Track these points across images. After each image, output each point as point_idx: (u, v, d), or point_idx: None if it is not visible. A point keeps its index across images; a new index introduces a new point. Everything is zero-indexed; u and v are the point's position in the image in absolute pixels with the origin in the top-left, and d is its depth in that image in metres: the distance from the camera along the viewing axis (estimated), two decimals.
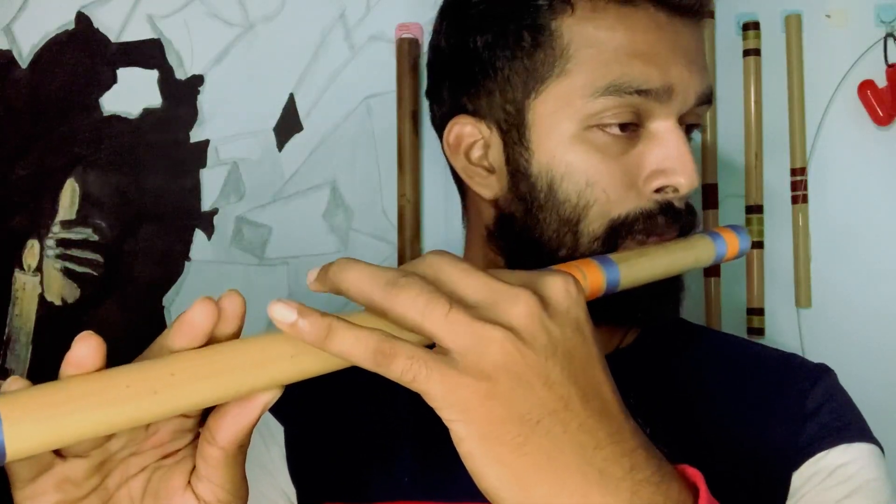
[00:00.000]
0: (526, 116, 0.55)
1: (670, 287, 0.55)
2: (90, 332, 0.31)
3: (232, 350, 0.32)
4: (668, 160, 0.54)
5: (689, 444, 0.54)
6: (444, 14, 0.62)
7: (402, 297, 0.33)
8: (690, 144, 0.56)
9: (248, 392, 0.33)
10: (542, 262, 0.53)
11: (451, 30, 0.60)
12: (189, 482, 0.37)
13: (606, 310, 0.51)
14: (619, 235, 0.54)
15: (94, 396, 0.29)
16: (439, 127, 0.62)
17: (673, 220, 0.55)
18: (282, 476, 0.60)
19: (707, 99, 0.56)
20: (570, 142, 0.53)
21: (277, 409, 0.62)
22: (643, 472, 0.34)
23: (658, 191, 0.54)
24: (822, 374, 0.58)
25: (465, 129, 0.58)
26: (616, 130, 0.53)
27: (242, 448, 0.36)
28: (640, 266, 0.49)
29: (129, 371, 0.31)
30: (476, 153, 0.58)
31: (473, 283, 0.34)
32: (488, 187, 0.58)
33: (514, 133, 0.55)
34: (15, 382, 0.31)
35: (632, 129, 0.54)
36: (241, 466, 0.37)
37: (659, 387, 0.57)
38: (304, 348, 0.33)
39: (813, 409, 0.55)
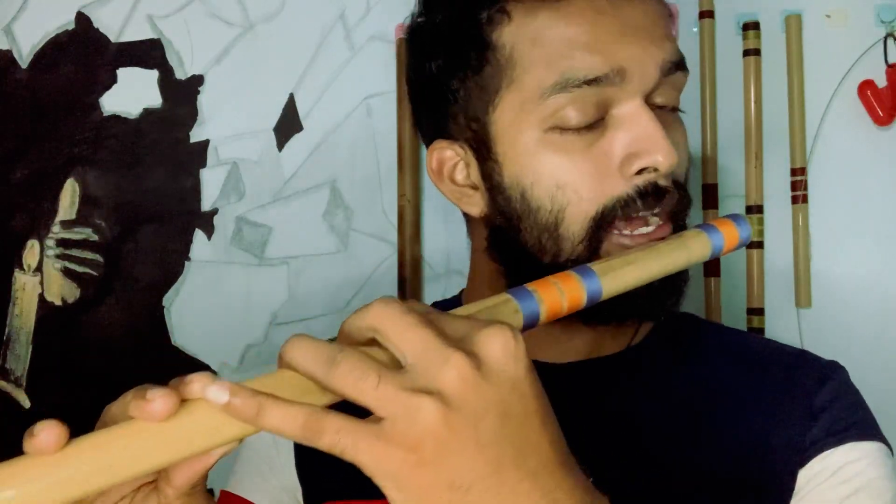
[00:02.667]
0: (490, 131, 0.54)
1: (667, 283, 0.54)
2: (54, 421, 0.32)
3: (186, 417, 0.34)
4: (638, 141, 0.52)
5: (695, 443, 0.54)
6: (407, 43, 0.62)
7: (338, 373, 0.34)
8: (673, 123, 0.55)
9: (199, 453, 0.36)
10: (531, 269, 0.52)
11: (412, 60, 0.61)
12: None
13: (595, 311, 0.51)
14: (600, 231, 0.53)
15: (51, 477, 0.32)
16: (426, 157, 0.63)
17: (656, 199, 0.53)
18: (289, 474, 0.60)
19: (674, 66, 0.54)
20: (534, 148, 0.53)
21: None
22: None
23: (640, 174, 0.52)
24: (833, 372, 0.57)
25: (444, 153, 0.58)
26: (578, 126, 0.52)
27: (197, 487, 0.39)
28: (626, 274, 0.48)
29: (85, 447, 0.33)
30: (459, 175, 0.58)
31: (411, 340, 0.34)
32: (475, 205, 0.58)
33: (483, 149, 0.55)
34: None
35: (596, 120, 0.52)
36: (199, 499, 0.40)
37: (667, 385, 0.57)
38: None
39: (821, 406, 0.55)
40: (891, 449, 0.55)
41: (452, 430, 0.33)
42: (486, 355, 0.35)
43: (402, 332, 0.35)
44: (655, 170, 0.52)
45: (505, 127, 0.54)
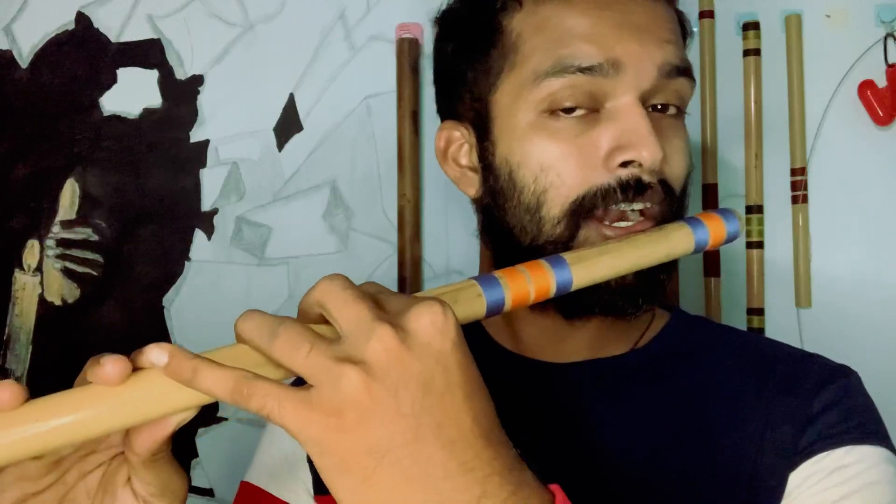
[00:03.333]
0: (490, 112, 0.57)
1: (642, 278, 0.53)
2: (11, 381, 0.35)
3: (138, 383, 0.36)
4: (624, 135, 0.53)
5: (687, 445, 0.54)
6: (434, 32, 0.65)
7: (277, 343, 0.36)
8: (674, 128, 0.55)
9: (151, 419, 0.37)
10: (512, 251, 0.55)
11: (435, 44, 0.64)
12: (128, 479, 0.42)
13: (569, 304, 0.52)
14: (579, 216, 0.53)
15: (2, 431, 0.34)
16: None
17: (637, 192, 0.53)
18: (301, 466, 0.61)
19: (675, 71, 0.54)
20: (525, 130, 0.54)
21: None
22: (494, 498, 0.36)
23: (624, 166, 0.53)
24: (838, 376, 0.56)
25: (452, 133, 0.61)
26: (571, 114, 0.53)
27: (159, 454, 0.40)
28: (599, 264, 0.48)
29: (39, 406, 0.35)
30: (463, 158, 0.60)
31: (348, 314, 0.36)
32: (472, 186, 0.60)
33: (482, 130, 0.58)
34: None
35: (591, 111, 0.54)
36: (165, 467, 0.41)
37: (666, 391, 0.57)
38: None
39: (819, 410, 0.54)
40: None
41: (373, 399, 0.34)
42: (414, 329, 0.36)
43: (340, 305, 0.36)
44: (640, 165, 0.53)
45: (503, 108, 0.56)
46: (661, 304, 0.62)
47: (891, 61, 0.83)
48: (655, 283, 0.55)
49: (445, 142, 0.61)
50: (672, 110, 0.56)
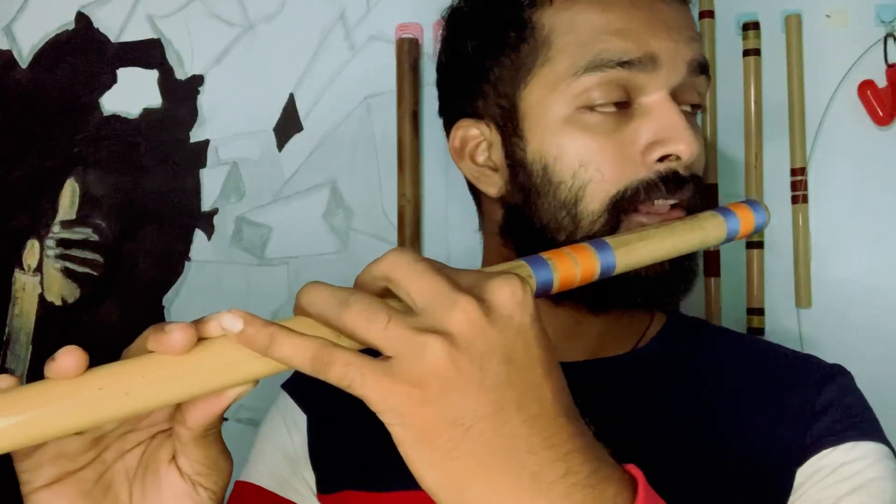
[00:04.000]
0: (519, 107, 0.56)
1: (678, 269, 0.55)
2: (74, 346, 0.33)
3: (203, 352, 0.35)
4: (662, 130, 0.54)
5: (696, 443, 0.54)
6: (444, 31, 0.65)
7: (350, 313, 0.35)
8: (694, 123, 0.56)
9: (215, 390, 0.36)
10: (544, 248, 0.54)
11: (448, 43, 0.63)
12: (173, 457, 0.41)
13: (604, 294, 0.52)
14: (621, 210, 0.54)
15: (67, 399, 0.33)
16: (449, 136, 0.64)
17: (676, 186, 0.54)
18: (304, 463, 0.61)
19: (700, 68, 0.56)
20: (560, 125, 0.54)
21: (301, 398, 0.64)
22: (577, 475, 0.35)
23: (661, 161, 0.54)
24: (835, 375, 0.58)
25: (468, 131, 0.60)
26: (606, 108, 0.54)
27: (212, 430, 0.39)
28: (640, 248, 0.48)
29: (103, 374, 0.34)
30: (481, 155, 0.60)
31: (423, 286, 0.35)
32: (494, 185, 0.59)
33: (509, 126, 0.57)
34: (2, 381, 0.34)
35: (623, 106, 0.54)
36: (214, 444, 0.40)
37: (670, 390, 0.57)
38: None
39: (822, 407, 0.55)
40: (893, 451, 0.55)
41: (458, 370, 0.34)
42: (494, 301, 0.35)
43: (413, 278, 0.36)
44: (677, 158, 0.54)
45: (534, 104, 0.56)
46: (659, 306, 0.63)
47: (891, 61, 0.83)
48: (689, 271, 0.56)
49: (461, 141, 0.60)
50: (691, 108, 0.57)
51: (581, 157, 0.54)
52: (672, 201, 0.54)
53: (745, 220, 0.55)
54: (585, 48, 0.54)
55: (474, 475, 0.34)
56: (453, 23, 0.62)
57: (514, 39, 0.56)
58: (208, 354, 0.35)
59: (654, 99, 0.54)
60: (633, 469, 0.38)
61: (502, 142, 0.58)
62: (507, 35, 0.57)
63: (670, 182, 0.54)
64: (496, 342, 0.35)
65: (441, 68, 0.64)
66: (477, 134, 0.60)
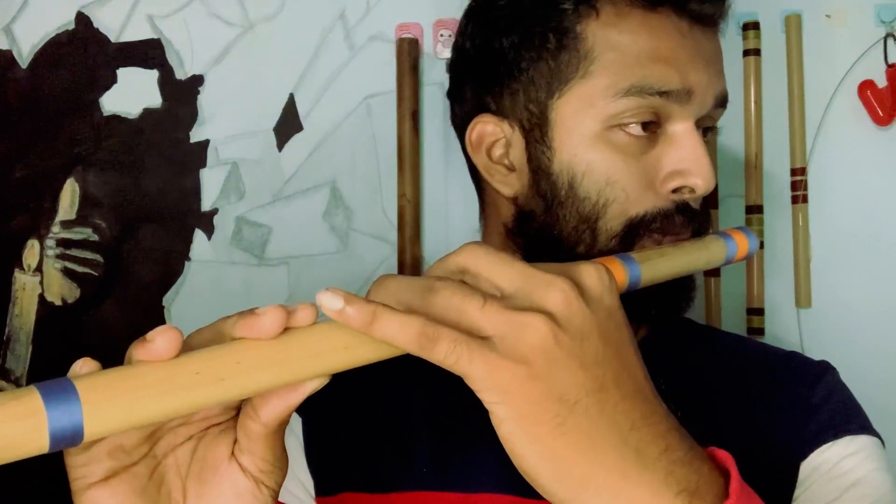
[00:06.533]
0: (549, 116, 0.56)
1: (683, 286, 0.57)
2: (170, 326, 0.32)
3: (292, 340, 0.34)
4: (684, 161, 0.55)
5: (697, 440, 0.54)
6: (469, 16, 0.64)
7: (439, 299, 0.35)
8: (707, 145, 0.58)
9: (303, 379, 0.35)
10: (559, 258, 0.55)
11: (477, 31, 0.62)
12: (233, 453, 0.39)
13: (625, 308, 0.53)
14: (636, 234, 0.55)
15: (166, 383, 0.31)
16: (461, 125, 0.64)
17: (689, 219, 0.56)
18: (300, 467, 0.61)
19: (723, 101, 0.58)
20: (591, 141, 0.55)
21: None
22: (677, 452, 0.35)
23: (675, 191, 0.56)
24: (825, 371, 0.60)
25: (487, 127, 0.60)
26: (637, 130, 0.55)
27: (283, 425, 0.38)
28: (660, 265, 0.50)
29: (198, 358, 0.32)
30: (497, 151, 0.60)
31: (510, 273, 0.36)
32: (508, 185, 0.60)
33: (536, 132, 0.57)
34: (86, 364, 0.32)
35: (652, 129, 0.56)
36: (280, 440, 0.39)
37: (668, 387, 0.57)
38: (357, 339, 0.35)
39: (818, 402, 0.57)
40: (883, 443, 0.57)
41: (561, 346, 0.34)
42: (586, 283, 0.36)
43: (497, 267, 0.36)
44: (692, 191, 0.55)
45: (566, 115, 0.56)
46: (669, 319, 0.64)
47: (891, 61, 0.83)
48: (692, 287, 0.58)
49: (479, 135, 0.60)
50: (704, 132, 0.59)
51: (608, 175, 0.55)
52: (685, 235, 0.56)
53: (741, 247, 0.58)
54: (629, 71, 0.54)
55: (581, 451, 0.34)
56: (486, 13, 0.61)
57: (554, 45, 0.56)
58: (296, 343, 0.33)
59: (681, 129, 0.55)
60: (720, 452, 0.38)
61: (525, 145, 0.58)
62: (547, 39, 0.56)
63: (684, 214, 0.56)
64: (592, 321, 0.35)
65: (464, 55, 0.63)
66: (497, 132, 0.60)
